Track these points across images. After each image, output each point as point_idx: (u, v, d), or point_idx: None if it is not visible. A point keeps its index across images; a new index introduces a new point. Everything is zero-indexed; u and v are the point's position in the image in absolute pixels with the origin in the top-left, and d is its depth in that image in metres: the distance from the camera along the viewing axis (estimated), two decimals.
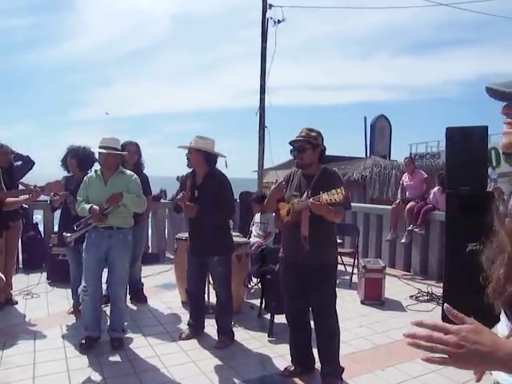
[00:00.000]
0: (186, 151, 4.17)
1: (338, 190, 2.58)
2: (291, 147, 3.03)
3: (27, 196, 3.73)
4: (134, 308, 4.78)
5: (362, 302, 5.05)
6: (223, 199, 3.67)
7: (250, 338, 3.94)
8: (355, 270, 5.98)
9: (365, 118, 19.51)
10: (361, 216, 7.60)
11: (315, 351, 3.18)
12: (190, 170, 3.96)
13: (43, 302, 4.91)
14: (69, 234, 3.61)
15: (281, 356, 3.53)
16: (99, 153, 3.65)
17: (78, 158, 4.25)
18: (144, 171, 4.97)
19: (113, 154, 3.62)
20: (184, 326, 4.15)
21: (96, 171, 3.73)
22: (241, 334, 4.02)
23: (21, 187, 3.52)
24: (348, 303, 5.02)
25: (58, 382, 3.09)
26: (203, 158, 3.67)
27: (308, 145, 2.96)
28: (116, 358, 3.48)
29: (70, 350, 3.59)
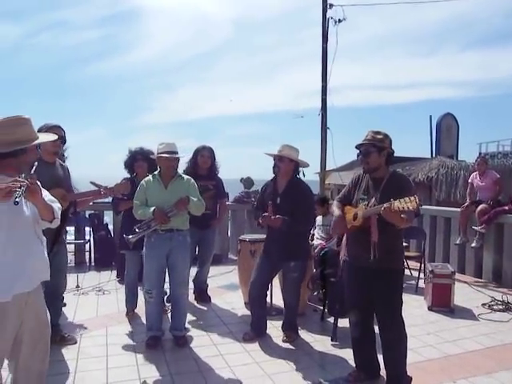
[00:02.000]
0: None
1: (412, 198, 2.50)
2: (358, 151, 2.97)
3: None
4: (198, 307, 4.88)
5: (430, 309, 4.85)
6: (306, 208, 3.72)
7: (313, 342, 3.91)
8: (421, 275, 5.76)
9: (430, 117, 18.73)
10: (427, 218, 7.31)
11: (380, 357, 3.09)
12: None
13: (113, 298, 5.15)
14: (130, 236, 3.71)
15: (344, 361, 3.48)
16: (162, 157, 3.67)
17: (149, 162, 4.36)
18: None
19: (175, 159, 3.71)
20: (247, 327, 4.19)
21: (154, 175, 3.77)
22: (304, 337, 4.00)
23: (92, 187, 3.69)
24: (414, 309, 4.83)
25: (128, 374, 3.23)
26: (293, 167, 3.77)
27: (373, 148, 2.89)
28: (181, 356, 3.58)
29: (138, 346, 3.74)
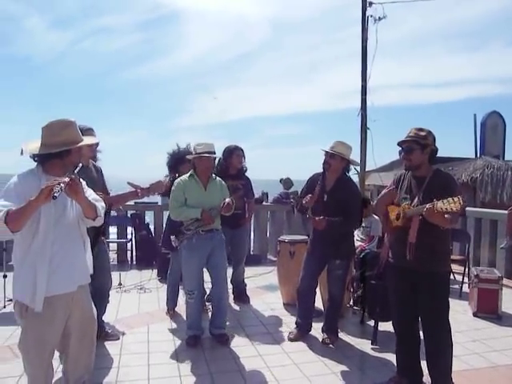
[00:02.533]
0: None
1: (456, 199, 2.41)
2: (400, 148, 2.91)
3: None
4: (237, 308, 4.91)
5: (475, 315, 4.67)
6: (353, 208, 3.67)
7: (353, 344, 3.86)
8: (465, 279, 5.58)
9: (474, 116, 18.08)
10: (471, 221, 7.05)
11: (424, 363, 2.99)
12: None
13: (154, 296, 5.26)
14: (174, 237, 3.79)
15: (385, 365, 3.41)
16: (204, 157, 3.68)
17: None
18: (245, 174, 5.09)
19: (212, 159, 3.75)
20: (286, 328, 4.19)
21: (191, 175, 3.78)
22: (344, 340, 3.96)
23: (129, 188, 3.76)
24: (459, 314, 4.67)
25: (169, 371, 3.29)
26: (344, 165, 3.74)
27: (416, 145, 2.82)
28: (220, 355, 3.61)
29: (179, 344, 3.81)
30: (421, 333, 2.98)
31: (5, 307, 4.65)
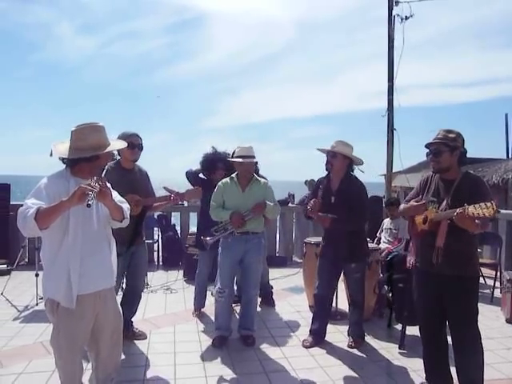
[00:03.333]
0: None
1: (488, 204, 2.33)
2: (427, 150, 2.85)
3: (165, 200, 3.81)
4: (263, 309, 4.90)
5: (508, 321, 4.53)
6: (359, 207, 3.60)
7: (379, 349, 3.81)
8: (497, 284, 5.42)
9: (506, 115, 17.59)
10: (503, 224, 6.84)
11: (453, 370, 2.89)
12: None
13: (181, 297, 5.32)
14: (208, 238, 3.79)
15: (413, 371, 3.34)
16: (237, 162, 3.74)
17: (228, 166, 4.40)
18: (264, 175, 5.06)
19: (249, 163, 3.74)
20: None
21: (232, 178, 3.83)
22: (370, 343, 3.91)
23: (164, 191, 3.80)
24: (490, 321, 4.54)
25: (196, 371, 3.32)
26: (347, 164, 3.68)
27: (445, 147, 2.75)
28: (246, 357, 3.62)
29: (205, 344, 3.83)
30: (449, 338, 2.91)
31: (37, 305, 4.79)
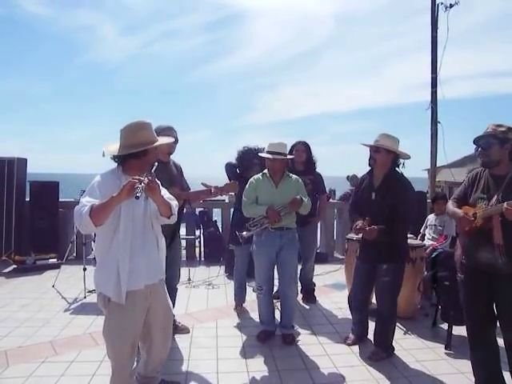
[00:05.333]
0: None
1: None
2: (475, 146, 2.73)
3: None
4: (305, 306, 4.88)
5: None
6: (405, 209, 3.37)
7: (424, 348, 3.71)
8: None
9: None
10: None
11: (508, 376, 2.76)
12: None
13: (222, 292, 5.38)
14: (243, 233, 3.80)
15: (462, 373, 3.23)
16: (265, 158, 3.76)
17: (261, 162, 4.49)
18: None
19: (279, 160, 3.73)
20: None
21: (264, 174, 3.84)
22: (414, 343, 3.82)
23: (202, 187, 3.85)
24: None
25: (237, 366, 3.35)
26: (391, 159, 3.47)
27: (494, 140, 2.63)
28: (288, 353, 3.61)
29: (246, 339, 3.87)
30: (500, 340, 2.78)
31: (85, 297, 4.98)
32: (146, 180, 2.24)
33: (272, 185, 3.78)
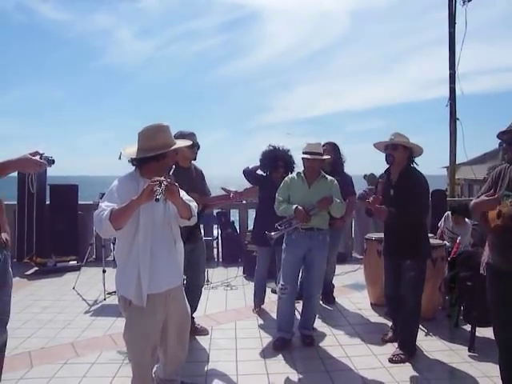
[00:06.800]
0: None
1: None
2: (499, 141, 2.66)
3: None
4: (324, 306, 4.84)
5: None
6: (417, 199, 3.41)
7: (446, 350, 3.63)
8: None
9: None
10: None
11: None
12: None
13: (241, 293, 5.38)
14: (272, 233, 3.76)
15: (487, 376, 3.14)
16: (303, 158, 3.74)
17: (287, 164, 4.47)
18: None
19: (318, 160, 3.72)
20: (374, 328, 4.10)
21: (299, 173, 3.83)
22: (436, 344, 3.74)
23: (221, 191, 3.85)
24: None
25: (257, 368, 3.34)
26: (407, 156, 3.54)
27: None
28: (308, 355, 3.59)
29: (265, 341, 3.84)
30: None
31: (105, 299, 5.03)
32: (165, 182, 2.24)
33: (305, 185, 3.76)
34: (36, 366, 3.36)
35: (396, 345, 3.57)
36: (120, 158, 2.52)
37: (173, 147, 2.48)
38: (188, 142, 2.78)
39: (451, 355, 3.53)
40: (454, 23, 9.68)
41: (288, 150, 4.56)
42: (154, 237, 2.41)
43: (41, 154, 2.35)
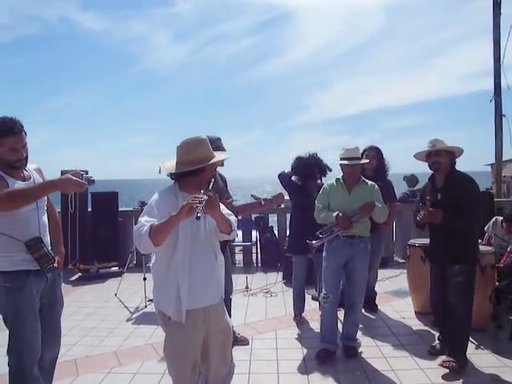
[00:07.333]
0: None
1: None
2: None
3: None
4: (366, 315, 4.70)
5: None
6: (470, 201, 3.30)
7: (502, 366, 3.38)
8: None
9: None
10: None
11: None
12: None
13: (281, 300, 5.30)
14: (314, 242, 3.70)
15: None
16: (342, 164, 3.67)
17: (321, 171, 4.39)
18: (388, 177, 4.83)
19: (357, 165, 3.64)
20: (419, 339, 3.93)
21: (338, 180, 3.75)
22: (489, 360, 3.50)
23: (251, 199, 3.80)
24: None
25: (299, 381, 3.27)
26: (450, 159, 3.47)
27: None
28: (351, 367, 3.48)
29: (307, 352, 3.76)
30: None
31: (146, 307, 5.09)
32: (205, 198, 2.20)
33: (345, 191, 3.68)
34: (81, 374, 3.44)
35: (445, 358, 3.40)
36: (160, 171, 2.51)
37: (211, 161, 2.44)
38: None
39: (507, 372, 3.28)
40: (499, 12, 9.22)
41: (319, 159, 4.44)
42: (194, 251, 2.37)
43: (81, 174, 2.38)
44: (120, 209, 7.55)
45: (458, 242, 3.33)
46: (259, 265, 7.26)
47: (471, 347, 3.65)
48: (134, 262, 7.22)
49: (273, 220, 7.75)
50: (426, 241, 4.61)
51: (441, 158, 3.44)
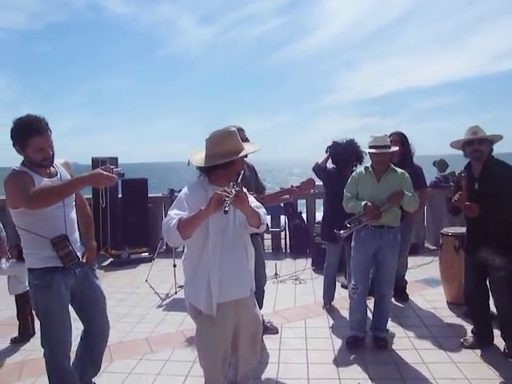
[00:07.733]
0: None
1: None
2: None
3: (287, 196, 3.82)
4: (396, 305, 4.64)
5: None
6: (508, 191, 3.16)
7: None
8: None
9: None
10: None
11: None
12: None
13: (309, 288, 5.29)
14: (341, 232, 3.66)
15: None
16: (370, 152, 3.59)
17: (357, 158, 4.33)
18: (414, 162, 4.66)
19: (386, 153, 3.55)
20: (451, 331, 3.85)
21: (367, 168, 3.68)
22: None
23: (277, 188, 3.76)
24: None
25: (328, 373, 3.25)
26: (489, 147, 3.36)
27: None
28: (381, 359, 3.45)
29: (336, 342, 3.75)
30: None
31: (176, 293, 5.17)
32: (234, 191, 2.18)
33: (374, 179, 3.61)
34: (115, 360, 3.53)
35: (479, 352, 3.33)
36: (188, 164, 2.49)
37: (241, 154, 2.41)
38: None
39: None
40: None
41: (356, 143, 4.35)
42: (224, 245, 2.37)
43: (111, 169, 2.39)
44: (150, 195, 7.64)
45: (499, 234, 3.24)
46: (288, 251, 7.25)
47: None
48: (164, 247, 7.33)
49: (301, 204, 7.68)
50: (460, 230, 4.50)
51: (483, 146, 3.33)
